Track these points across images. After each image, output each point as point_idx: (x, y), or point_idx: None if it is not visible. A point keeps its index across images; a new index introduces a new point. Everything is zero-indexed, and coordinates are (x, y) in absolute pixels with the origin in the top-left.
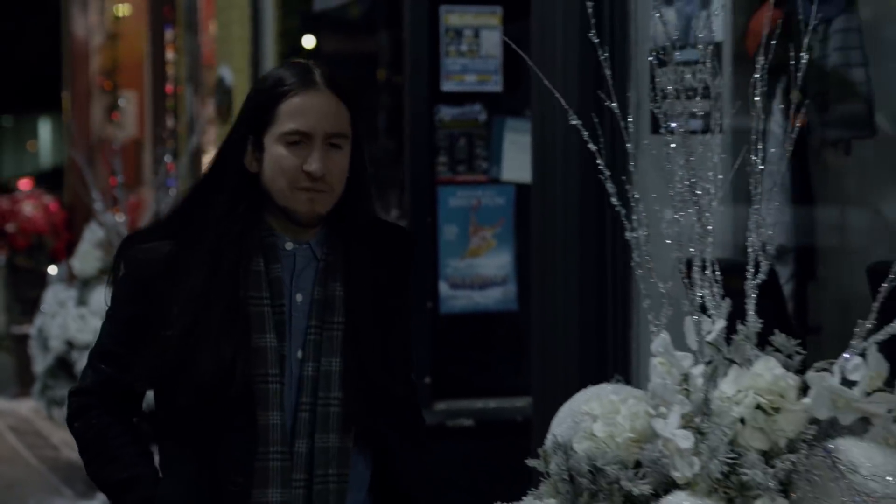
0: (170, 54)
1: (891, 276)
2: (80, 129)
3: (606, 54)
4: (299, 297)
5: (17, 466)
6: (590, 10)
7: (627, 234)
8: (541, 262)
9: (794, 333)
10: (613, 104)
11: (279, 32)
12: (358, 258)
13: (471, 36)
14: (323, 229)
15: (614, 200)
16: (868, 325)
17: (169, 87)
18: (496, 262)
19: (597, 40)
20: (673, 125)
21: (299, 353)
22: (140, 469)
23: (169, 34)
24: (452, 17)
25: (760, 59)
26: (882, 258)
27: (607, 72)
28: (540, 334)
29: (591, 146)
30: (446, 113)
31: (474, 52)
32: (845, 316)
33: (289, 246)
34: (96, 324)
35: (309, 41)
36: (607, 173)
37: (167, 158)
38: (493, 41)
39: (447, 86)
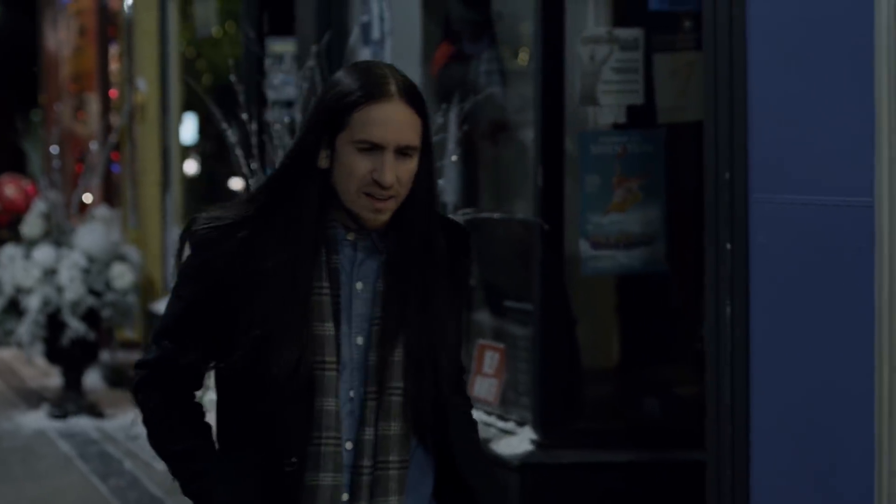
0: (114, 65)
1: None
2: (51, 126)
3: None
4: (359, 286)
5: None
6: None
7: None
8: None
9: None
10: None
11: (180, 52)
12: (416, 253)
13: (289, 59)
14: (385, 223)
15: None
16: None
17: (113, 92)
18: None
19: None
20: None
21: (360, 340)
22: (194, 441)
23: (113, 49)
24: (276, 46)
25: None
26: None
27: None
28: None
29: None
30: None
31: (291, 70)
32: None
33: (350, 236)
34: (37, 273)
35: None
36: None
37: (93, 146)
38: None
39: (272, 94)
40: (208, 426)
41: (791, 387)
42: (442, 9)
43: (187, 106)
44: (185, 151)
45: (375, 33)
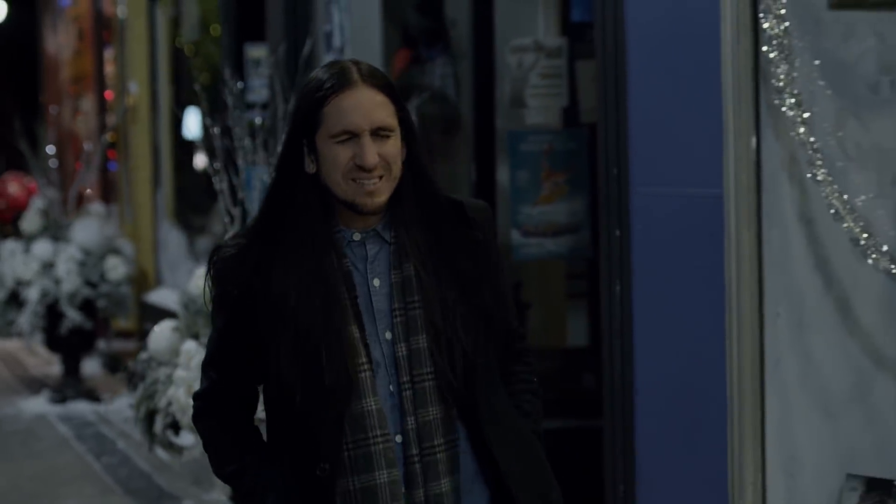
0: (109, 68)
1: None
2: (51, 126)
3: None
4: (377, 282)
5: None
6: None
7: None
8: None
9: None
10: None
11: (169, 56)
12: (421, 237)
13: (265, 63)
14: (388, 213)
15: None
16: None
17: (108, 94)
18: None
19: None
20: None
21: (388, 335)
22: (245, 460)
23: (108, 52)
24: (253, 51)
25: None
26: None
27: None
28: None
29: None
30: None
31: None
32: None
33: (357, 237)
34: (36, 266)
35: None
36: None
37: (88, 147)
38: None
39: (251, 97)
40: (262, 445)
41: (665, 355)
42: (400, 17)
43: (190, 102)
44: (191, 147)
45: (336, 41)
